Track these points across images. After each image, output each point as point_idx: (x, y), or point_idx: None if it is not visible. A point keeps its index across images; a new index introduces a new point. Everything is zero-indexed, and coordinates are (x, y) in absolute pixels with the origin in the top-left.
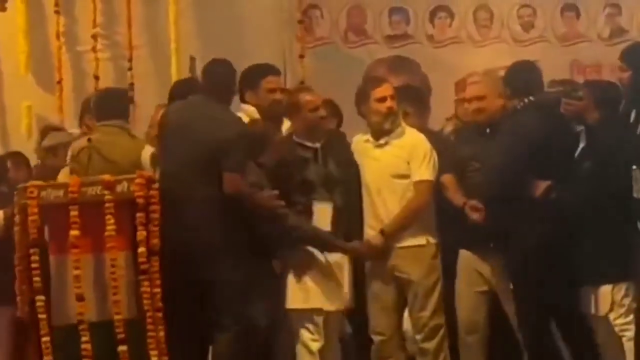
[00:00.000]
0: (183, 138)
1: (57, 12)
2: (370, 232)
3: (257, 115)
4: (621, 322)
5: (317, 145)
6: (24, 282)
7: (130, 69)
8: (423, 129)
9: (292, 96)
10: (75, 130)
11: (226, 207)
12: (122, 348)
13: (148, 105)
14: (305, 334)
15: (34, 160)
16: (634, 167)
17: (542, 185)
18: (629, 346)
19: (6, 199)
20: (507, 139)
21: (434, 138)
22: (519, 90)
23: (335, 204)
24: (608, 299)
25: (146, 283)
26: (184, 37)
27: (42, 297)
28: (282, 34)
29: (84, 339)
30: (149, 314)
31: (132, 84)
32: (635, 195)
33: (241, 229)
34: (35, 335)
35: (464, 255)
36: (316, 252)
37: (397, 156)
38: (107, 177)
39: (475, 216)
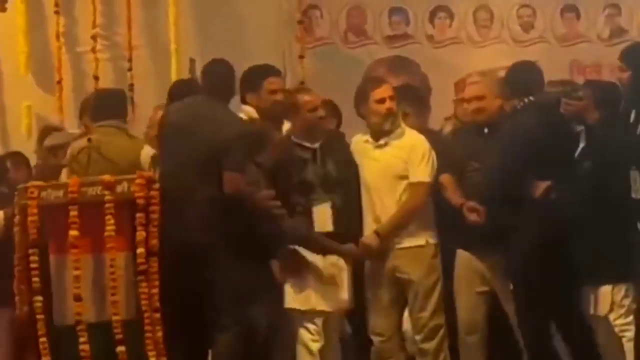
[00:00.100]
0: (183, 138)
1: (57, 13)
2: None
3: (256, 116)
4: (621, 323)
5: (316, 145)
6: (23, 282)
7: (130, 69)
8: (422, 129)
9: (290, 97)
10: (75, 131)
11: (226, 207)
12: (121, 349)
13: (148, 105)
14: (305, 335)
15: (33, 161)
16: (633, 167)
17: (541, 186)
18: (628, 347)
19: (6, 199)
20: (507, 138)
21: (433, 138)
22: (519, 91)
23: (334, 205)
24: (608, 300)
25: (144, 284)
26: (184, 38)
27: (40, 298)
28: (282, 34)
29: (81, 339)
30: (146, 314)
31: (131, 85)
32: (634, 195)
33: (241, 229)
34: (35, 335)
35: (462, 255)
36: (308, 254)
37: (397, 157)
38: (107, 177)
39: (473, 217)
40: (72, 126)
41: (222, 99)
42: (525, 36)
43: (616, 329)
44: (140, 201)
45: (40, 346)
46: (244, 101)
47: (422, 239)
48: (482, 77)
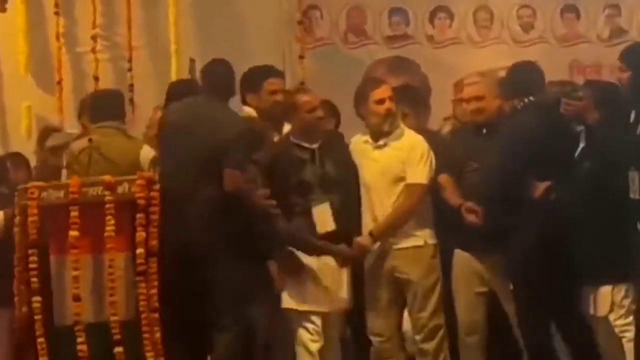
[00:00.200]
0: (183, 138)
1: (57, 13)
2: None
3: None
4: (621, 323)
5: (315, 146)
6: (22, 283)
7: (130, 70)
8: (421, 130)
9: (289, 97)
10: (75, 131)
11: (226, 206)
12: (118, 349)
13: (148, 106)
14: (304, 335)
15: (33, 161)
16: (632, 168)
17: (541, 186)
18: (629, 347)
19: (6, 199)
20: (507, 138)
21: (432, 138)
22: (519, 91)
23: (333, 205)
24: (608, 300)
25: (143, 284)
26: (184, 38)
27: (39, 298)
28: (282, 34)
29: (79, 340)
30: (144, 315)
31: (131, 85)
32: (632, 196)
33: (241, 228)
34: (34, 335)
35: (460, 255)
36: (302, 255)
37: (396, 158)
38: (108, 178)
39: (471, 218)
40: (72, 127)
41: (221, 99)
42: (525, 36)
43: (616, 330)
44: (141, 202)
45: (38, 347)
46: (244, 102)
47: (420, 239)
48: (481, 77)
